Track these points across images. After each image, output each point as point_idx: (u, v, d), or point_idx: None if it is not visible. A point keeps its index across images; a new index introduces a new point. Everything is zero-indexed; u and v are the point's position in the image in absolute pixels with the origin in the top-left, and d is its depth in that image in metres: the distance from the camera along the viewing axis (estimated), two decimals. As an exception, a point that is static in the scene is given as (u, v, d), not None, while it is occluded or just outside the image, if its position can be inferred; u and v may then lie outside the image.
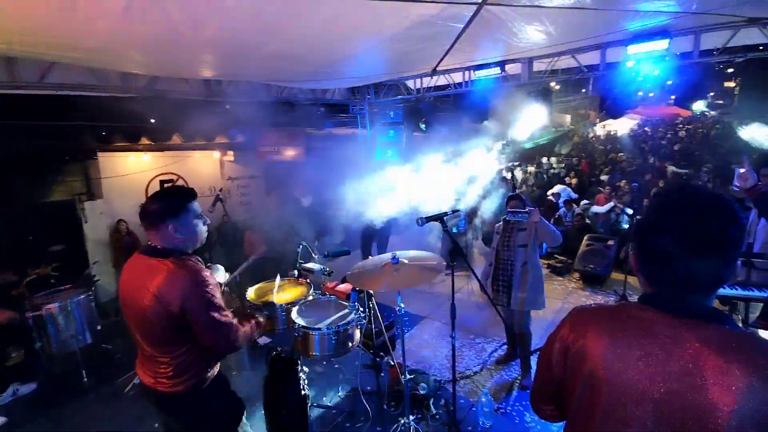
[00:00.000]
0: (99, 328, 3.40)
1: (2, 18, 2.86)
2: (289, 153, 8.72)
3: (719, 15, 4.03)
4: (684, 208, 0.88)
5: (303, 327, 2.02)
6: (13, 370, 3.37)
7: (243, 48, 4.06)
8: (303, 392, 2.27)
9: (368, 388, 3.06)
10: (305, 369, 2.38)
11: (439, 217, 2.07)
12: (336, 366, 3.41)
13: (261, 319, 1.93)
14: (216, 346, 1.64)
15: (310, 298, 2.34)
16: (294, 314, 2.13)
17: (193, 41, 3.73)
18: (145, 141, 6.90)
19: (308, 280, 2.45)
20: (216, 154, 8.22)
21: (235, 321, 1.68)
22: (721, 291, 3.13)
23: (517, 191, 7.12)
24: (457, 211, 2.96)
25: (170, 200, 1.70)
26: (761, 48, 4.38)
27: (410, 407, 2.75)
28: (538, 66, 5.92)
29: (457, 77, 6.51)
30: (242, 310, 2.61)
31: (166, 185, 7.58)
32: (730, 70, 15.04)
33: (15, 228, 5.85)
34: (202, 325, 1.57)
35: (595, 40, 5.00)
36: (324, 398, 2.97)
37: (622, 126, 17.94)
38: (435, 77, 6.69)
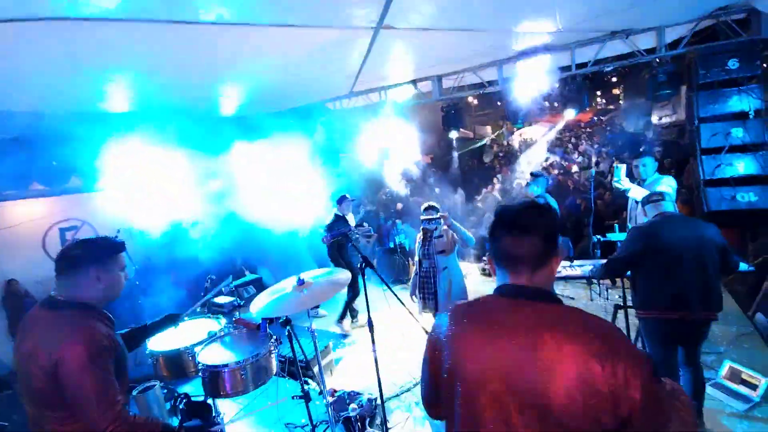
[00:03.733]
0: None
1: None
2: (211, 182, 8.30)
3: (582, 31, 4.65)
4: (509, 208, 1.08)
5: (208, 366, 1.89)
6: None
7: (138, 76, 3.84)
8: (221, 438, 2.09)
9: (303, 420, 2.91)
10: (223, 412, 2.20)
11: (343, 233, 2.09)
12: (269, 403, 3.22)
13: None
14: (85, 426, 1.40)
15: (220, 334, 2.21)
16: (201, 354, 1.98)
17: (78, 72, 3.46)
18: (37, 186, 6.14)
19: (217, 315, 2.31)
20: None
21: (118, 407, 1.43)
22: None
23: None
24: (361, 225, 3.01)
25: (99, 246, 1.62)
26: (628, 56, 5.08)
27: (347, 430, 2.67)
28: (447, 83, 6.34)
29: (375, 97, 6.73)
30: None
31: (67, 233, 6.81)
32: (614, 79, 17.29)
33: None
34: (77, 391, 1.38)
35: (491, 57, 5.50)
36: (256, 439, 2.77)
37: (535, 133, 19.76)
38: (353, 98, 6.87)
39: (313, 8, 3.00)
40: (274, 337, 2.12)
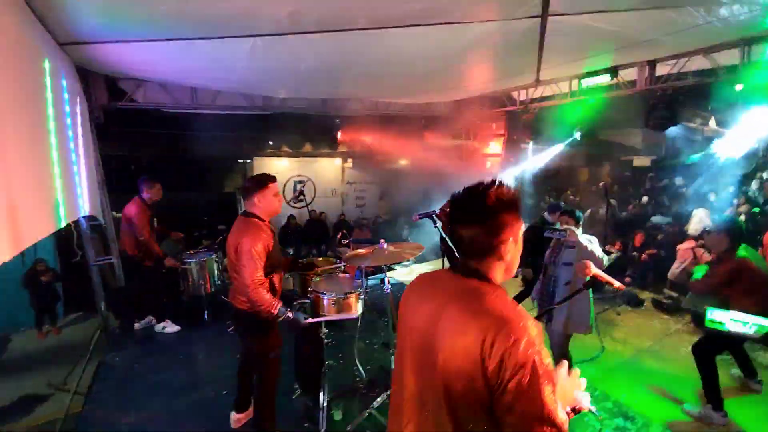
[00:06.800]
0: (219, 282, 4.68)
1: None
2: (401, 162, 9.53)
3: None
4: (458, 194, 1.13)
5: (314, 290, 2.59)
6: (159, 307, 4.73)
7: (355, 71, 4.88)
8: (320, 348, 2.81)
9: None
10: (326, 330, 2.89)
11: (429, 215, 2.35)
12: (375, 346, 3.85)
13: (286, 313, 2.37)
14: (242, 284, 2.31)
15: (337, 272, 2.91)
16: (314, 282, 2.71)
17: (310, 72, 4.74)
18: (285, 149, 8.65)
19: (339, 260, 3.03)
20: (338, 161, 9.61)
21: (258, 279, 2.29)
22: None
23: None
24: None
25: (255, 181, 2.53)
26: None
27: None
28: (662, 69, 5.18)
29: (564, 86, 6.16)
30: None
31: (298, 185, 9.28)
32: None
33: (199, 210, 8.14)
34: (241, 263, 2.31)
35: (731, 36, 4.17)
36: (354, 368, 3.45)
37: None
38: (540, 88, 6.48)
39: (473, 4, 3.17)
40: (365, 285, 2.64)
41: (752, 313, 2.85)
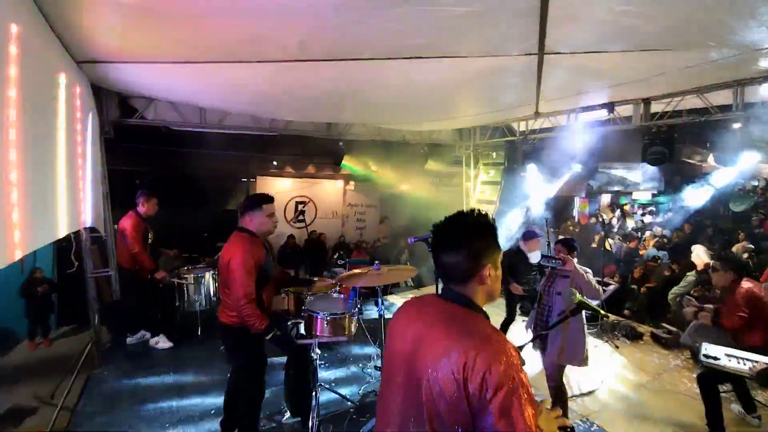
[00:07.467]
0: (215, 299, 4.66)
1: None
2: (402, 187, 9.64)
3: None
4: (438, 225, 1.19)
5: (307, 309, 2.60)
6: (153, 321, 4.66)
7: (360, 97, 5.03)
8: (310, 366, 2.78)
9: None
10: (318, 351, 2.87)
11: (424, 239, 2.40)
12: (368, 369, 3.80)
13: (269, 329, 2.38)
14: (232, 298, 2.33)
15: (331, 292, 2.92)
16: (309, 300, 2.72)
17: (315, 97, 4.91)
18: (288, 169, 8.78)
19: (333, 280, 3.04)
20: (340, 183, 9.72)
21: (249, 294, 2.31)
22: None
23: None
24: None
25: (251, 200, 2.59)
26: None
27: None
28: (657, 107, 5.34)
29: (563, 119, 6.32)
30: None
31: (299, 206, 9.37)
32: None
33: (199, 227, 8.17)
34: (232, 277, 2.32)
35: (725, 77, 4.33)
36: (346, 392, 3.39)
37: None
38: (540, 119, 6.64)
39: (473, 40, 3.32)
40: (359, 306, 2.65)
41: (760, 348, 2.86)
